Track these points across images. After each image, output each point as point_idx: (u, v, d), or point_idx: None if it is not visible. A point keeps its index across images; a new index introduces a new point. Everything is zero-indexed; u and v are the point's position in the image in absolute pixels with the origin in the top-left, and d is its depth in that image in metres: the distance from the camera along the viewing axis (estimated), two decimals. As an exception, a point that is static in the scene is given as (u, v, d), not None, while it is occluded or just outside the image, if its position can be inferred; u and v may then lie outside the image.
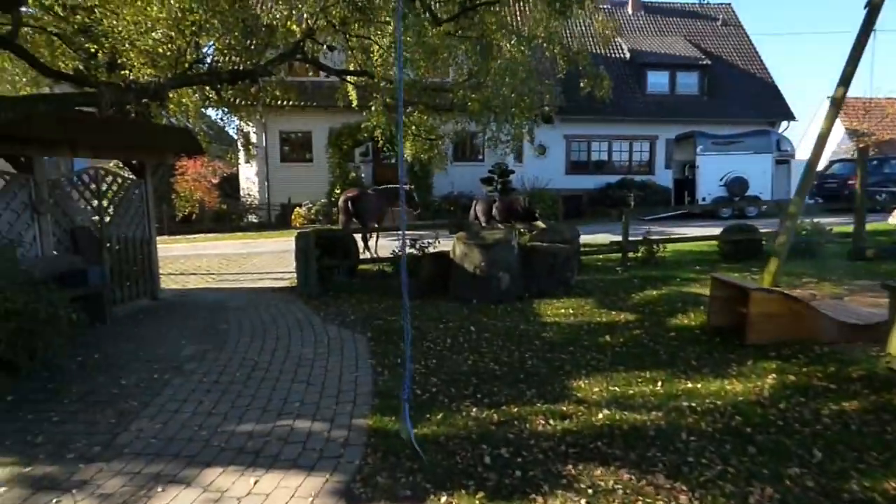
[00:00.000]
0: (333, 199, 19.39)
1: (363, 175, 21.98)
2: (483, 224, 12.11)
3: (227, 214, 19.33)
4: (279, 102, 20.49)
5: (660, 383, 4.00)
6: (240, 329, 6.29)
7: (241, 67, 10.44)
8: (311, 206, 19.87)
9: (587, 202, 24.06)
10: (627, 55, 26.38)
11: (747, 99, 25.11)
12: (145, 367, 4.91)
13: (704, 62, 25.39)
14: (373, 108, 10.49)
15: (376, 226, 11.78)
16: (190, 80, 6.41)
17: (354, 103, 12.58)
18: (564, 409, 3.62)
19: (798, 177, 17.69)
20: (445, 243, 9.70)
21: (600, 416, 3.48)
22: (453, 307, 6.90)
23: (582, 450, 3.09)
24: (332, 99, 21.38)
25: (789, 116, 25.06)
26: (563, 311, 6.35)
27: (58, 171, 12.37)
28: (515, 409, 3.66)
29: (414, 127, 11.65)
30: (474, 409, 3.71)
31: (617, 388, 3.94)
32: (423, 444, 3.20)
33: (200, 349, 5.45)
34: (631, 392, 3.86)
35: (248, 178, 21.66)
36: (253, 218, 20.43)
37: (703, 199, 17.39)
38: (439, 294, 7.94)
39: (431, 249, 9.12)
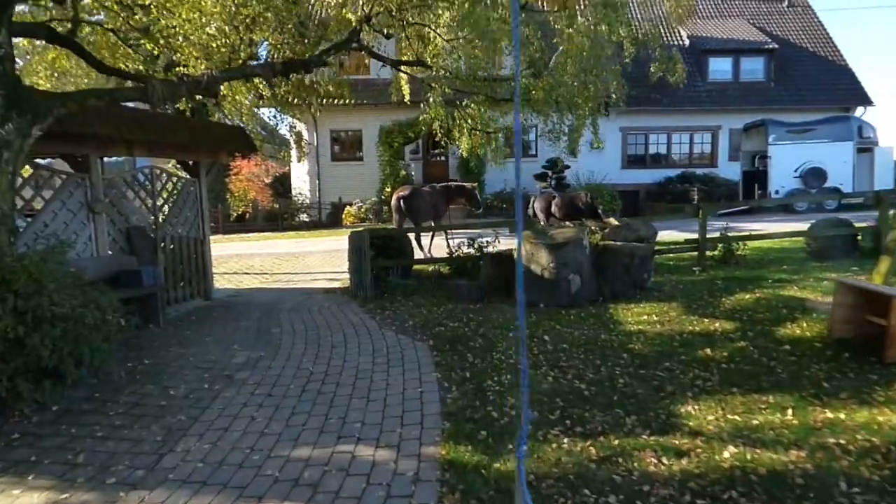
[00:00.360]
0: (384, 197, 19.13)
1: (413, 173, 21.64)
2: (542, 222, 11.46)
3: (279, 214, 19.39)
4: (333, 101, 20.46)
5: (790, 411, 3.30)
6: (293, 334, 5.93)
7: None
8: (361, 204, 19.68)
9: (644, 197, 22.91)
10: (686, 41, 24.96)
11: (818, 84, 23.29)
12: (195, 375, 4.58)
13: (770, 46, 23.69)
14: (430, 100, 9.99)
15: (432, 224, 11.35)
16: (243, 72, 6.12)
17: (407, 97, 12.14)
18: (678, 443, 2.99)
19: (883, 166, 16.18)
20: (505, 242, 9.16)
21: (726, 454, 2.84)
22: (514, 310, 6.33)
23: (713, 501, 2.47)
24: (382, 96, 21.18)
25: (866, 101, 23.03)
26: (645, 317, 5.67)
27: (123, 171, 12.54)
28: (616, 442, 3.06)
29: (470, 120, 11.11)
30: (566, 440, 3.13)
31: (737, 417, 3.27)
32: (505, 483, 2.66)
33: (253, 356, 5.10)
34: (756, 422, 3.19)
35: (300, 177, 21.71)
36: (304, 217, 20.44)
37: (776, 193, 16.06)
38: (501, 297, 7.37)
39: (491, 249, 8.59)
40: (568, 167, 19.71)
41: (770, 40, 24.19)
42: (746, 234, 9.53)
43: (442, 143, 23.09)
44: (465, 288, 7.42)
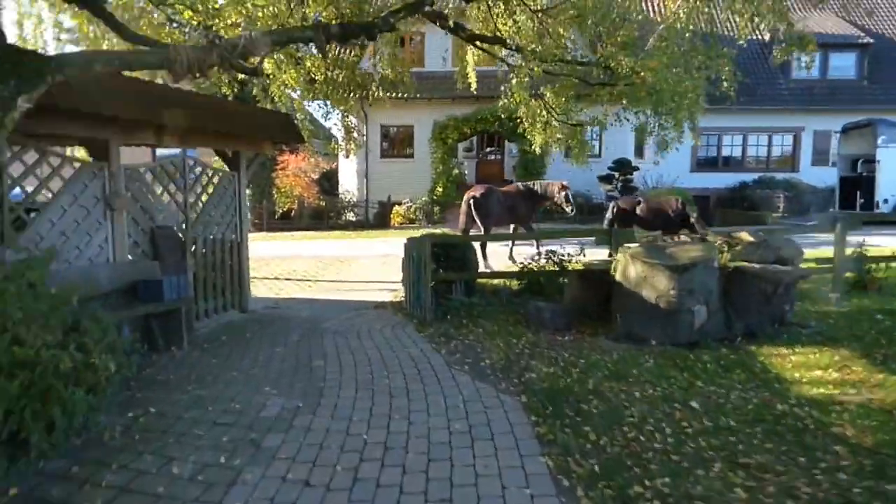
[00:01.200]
0: (436, 196, 17.90)
1: (466, 172, 20.35)
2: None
3: (325, 212, 18.45)
4: (389, 94, 19.38)
5: None
6: (340, 370, 4.69)
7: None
8: (411, 204, 18.52)
9: (715, 203, 20.93)
10: (766, 34, 22.66)
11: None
12: (212, 437, 3.39)
13: (864, 40, 21.21)
14: (514, 82, 8.60)
15: (508, 230, 10.11)
16: (289, 35, 4.95)
17: (474, 85, 10.83)
18: None
19: None
20: (591, 253, 7.72)
21: None
22: (626, 350, 4.91)
23: None
24: (437, 90, 19.99)
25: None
26: (819, 372, 4.16)
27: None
28: None
29: (545, 112, 9.69)
30: None
31: None
32: None
33: (288, 405, 3.88)
34: None
35: (348, 174, 20.74)
36: (351, 216, 19.45)
37: (885, 202, 13.95)
38: (592, 324, 5.97)
39: (576, 263, 7.17)
40: (637, 168, 17.99)
41: (863, 34, 21.71)
42: (889, 252, 7.75)
43: (498, 140, 21.84)
44: (548, 312, 6.04)
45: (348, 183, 20.44)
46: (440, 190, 17.78)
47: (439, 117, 18.19)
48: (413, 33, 19.75)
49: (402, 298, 7.90)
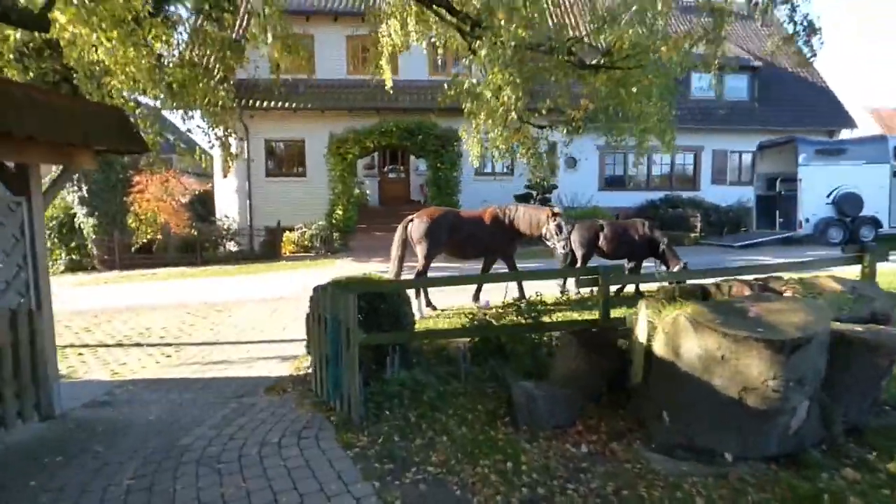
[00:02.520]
0: (335, 221, 15.39)
1: (368, 192, 18.05)
2: (578, 259, 8.24)
3: (198, 242, 15.17)
4: (265, 103, 16.62)
5: None
6: None
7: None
8: (305, 230, 15.82)
9: (623, 223, 20.58)
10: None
11: (801, 105, 21.97)
12: None
13: (755, 64, 22.22)
14: (483, 54, 6.43)
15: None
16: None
17: (389, 82, 8.79)
18: None
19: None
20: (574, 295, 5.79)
21: None
22: (696, 474, 3.02)
23: None
24: (331, 99, 17.63)
25: (849, 123, 21.91)
26: None
27: None
28: None
29: (511, 100, 7.68)
30: None
31: None
32: None
33: None
34: None
35: (226, 196, 17.54)
36: (232, 246, 16.28)
37: (807, 221, 13.81)
38: (602, 416, 4.04)
39: (558, 315, 5.21)
40: (555, 187, 16.82)
41: (753, 58, 22.77)
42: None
43: (401, 156, 19.76)
44: (543, 402, 4.00)
45: (227, 207, 17.27)
46: (340, 213, 15.33)
47: (336, 130, 15.79)
48: (299, 36, 17.29)
49: (308, 371, 5.51)
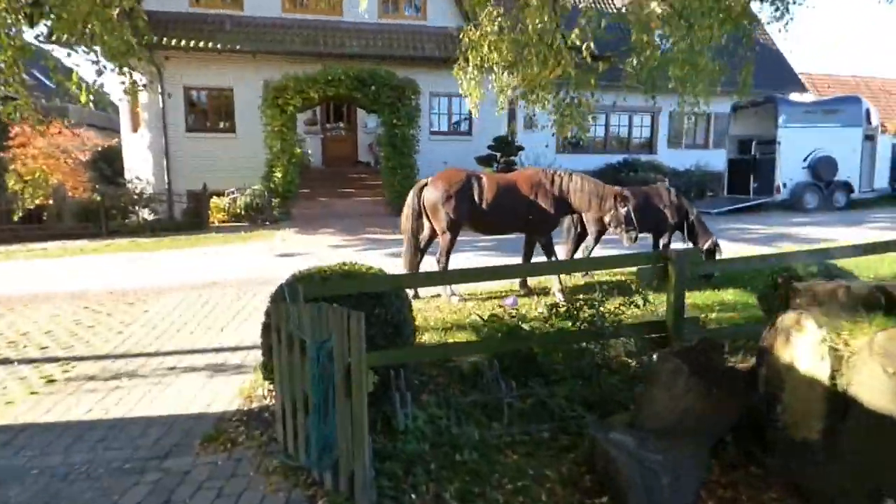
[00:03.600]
0: (274, 185, 13.20)
1: (310, 151, 15.83)
2: (592, 236, 6.82)
3: (103, 209, 12.52)
4: (183, 42, 13.80)
5: None
6: None
7: None
8: (237, 195, 13.51)
9: (584, 188, 19.51)
10: (619, 2, 21.88)
11: (754, 66, 21.48)
12: None
13: (713, 21, 21.46)
14: None
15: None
16: None
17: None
18: None
19: (885, 156, 14.00)
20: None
21: None
22: None
23: None
24: (263, 41, 15.03)
25: (800, 86, 21.69)
26: None
27: None
28: None
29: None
30: None
31: None
32: None
33: None
34: None
35: (138, 154, 14.76)
36: (146, 214, 13.70)
37: (784, 185, 13.15)
38: (728, 486, 2.65)
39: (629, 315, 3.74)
40: (521, 148, 15.33)
41: (708, 14, 21.99)
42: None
43: (348, 112, 17.44)
44: (666, 475, 2.53)
45: (140, 167, 14.53)
46: (279, 176, 13.13)
47: (273, 75, 13.40)
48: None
49: (263, 402, 3.80)
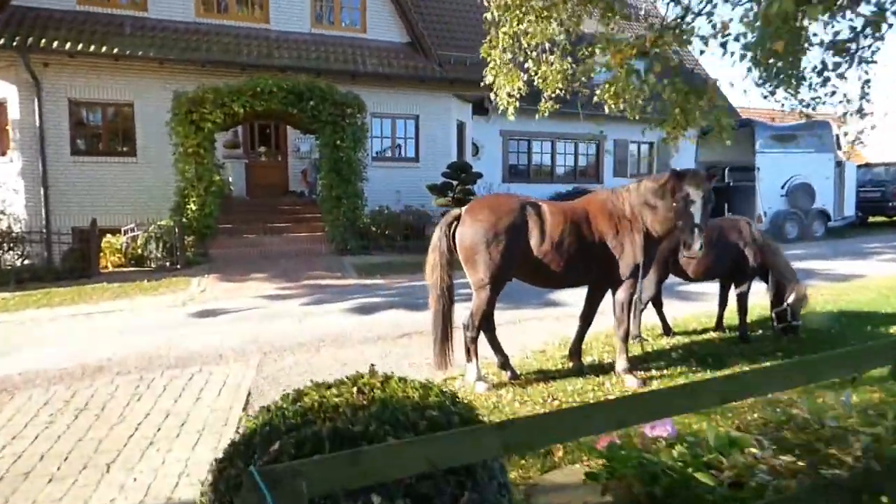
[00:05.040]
0: (188, 219, 10.68)
1: (230, 179, 13.41)
2: (646, 280, 5.16)
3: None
4: (68, 45, 11.05)
5: None
6: None
7: None
8: (137, 233, 10.80)
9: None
10: (560, 35, 21.33)
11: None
12: None
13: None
14: None
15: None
16: None
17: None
18: None
19: (851, 182, 13.47)
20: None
21: None
22: None
23: None
24: (174, 47, 12.49)
25: (734, 115, 22.01)
26: None
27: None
28: None
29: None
30: None
31: None
32: None
33: None
34: None
35: (5, 182, 11.66)
36: (14, 256, 10.63)
37: (765, 213, 12.43)
38: None
39: None
40: (480, 175, 13.76)
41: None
42: None
43: (276, 134, 15.07)
44: None
45: (8, 199, 11.44)
46: (194, 208, 10.64)
47: (184, 86, 11.00)
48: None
49: None
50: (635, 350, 5.09)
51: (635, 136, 20.66)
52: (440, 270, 4.31)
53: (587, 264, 4.35)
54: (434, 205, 13.39)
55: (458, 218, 4.35)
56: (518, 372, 4.67)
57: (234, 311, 7.15)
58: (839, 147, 13.05)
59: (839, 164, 13.31)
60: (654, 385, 4.45)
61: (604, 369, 4.76)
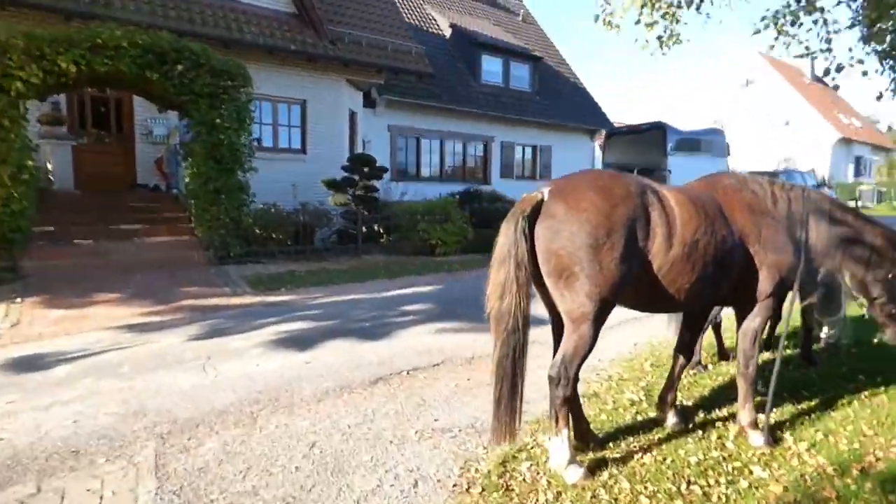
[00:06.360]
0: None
1: (50, 166, 10.03)
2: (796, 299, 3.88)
3: None
4: None
5: None
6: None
7: None
8: None
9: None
10: (447, 32, 20.48)
11: (569, 102, 22.05)
12: None
13: (536, 53, 21.41)
14: None
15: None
16: None
17: None
18: None
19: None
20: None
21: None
22: None
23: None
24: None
25: (609, 125, 22.82)
26: None
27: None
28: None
29: None
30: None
31: None
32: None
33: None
34: None
35: None
36: None
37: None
38: None
39: None
40: (385, 169, 11.95)
41: (530, 48, 21.87)
42: None
43: (117, 108, 11.39)
44: None
45: None
46: (-3, 204, 7.39)
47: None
48: None
49: None
50: (701, 383, 3.83)
51: (520, 139, 20.46)
52: (516, 292, 2.58)
53: (720, 278, 2.94)
54: (331, 203, 11.29)
55: (538, 207, 2.67)
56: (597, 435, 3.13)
57: (79, 357, 4.58)
58: (729, 153, 13.63)
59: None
60: (786, 438, 3.20)
61: (699, 415, 3.41)
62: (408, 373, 4.25)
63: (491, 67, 20.06)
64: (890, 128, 47.18)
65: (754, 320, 3.12)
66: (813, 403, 3.70)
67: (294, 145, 12.65)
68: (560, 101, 21.64)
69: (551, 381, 2.68)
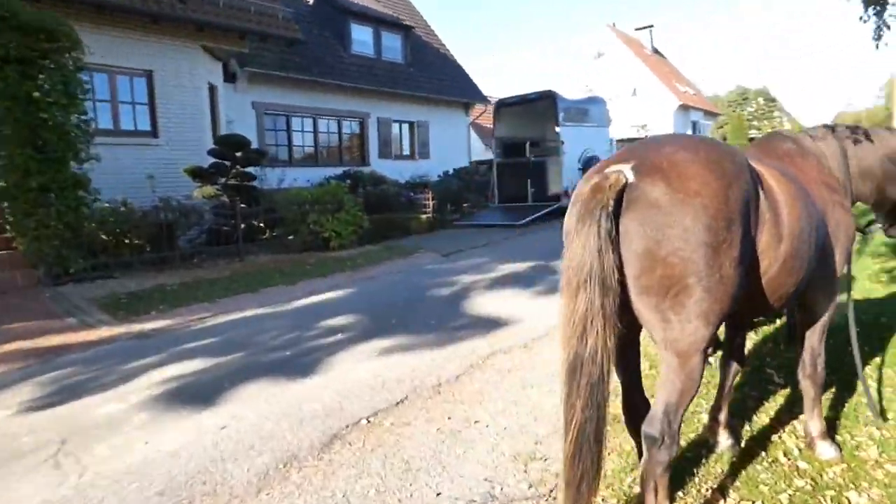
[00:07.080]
0: None
1: None
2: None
3: None
4: None
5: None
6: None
7: None
8: None
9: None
10: (311, -8, 18.69)
11: (442, 74, 21.50)
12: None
13: (407, 23, 20.35)
14: None
15: None
16: None
17: None
18: None
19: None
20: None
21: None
22: None
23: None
24: None
25: (483, 99, 22.63)
26: None
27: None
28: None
29: None
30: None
31: None
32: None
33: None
34: None
35: None
36: None
37: (567, 191, 12.13)
38: None
39: None
40: (264, 154, 10.31)
41: (400, 16, 20.69)
42: None
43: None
44: None
45: None
46: None
47: None
48: None
49: None
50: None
51: (397, 115, 19.36)
52: (602, 328, 1.69)
53: (805, 272, 2.28)
54: (197, 197, 9.44)
55: (622, 192, 1.78)
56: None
57: None
58: (610, 121, 13.83)
59: (611, 139, 14.22)
60: (846, 441, 2.72)
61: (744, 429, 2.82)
62: (368, 420, 3.20)
63: (361, 37, 18.65)
64: (716, 95, 53.41)
65: (827, 313, 2.56)
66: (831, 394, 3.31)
67: (141, 126, 10.41)
68: (433, 73, 20.90)
69: (652, 442, 1.85)
